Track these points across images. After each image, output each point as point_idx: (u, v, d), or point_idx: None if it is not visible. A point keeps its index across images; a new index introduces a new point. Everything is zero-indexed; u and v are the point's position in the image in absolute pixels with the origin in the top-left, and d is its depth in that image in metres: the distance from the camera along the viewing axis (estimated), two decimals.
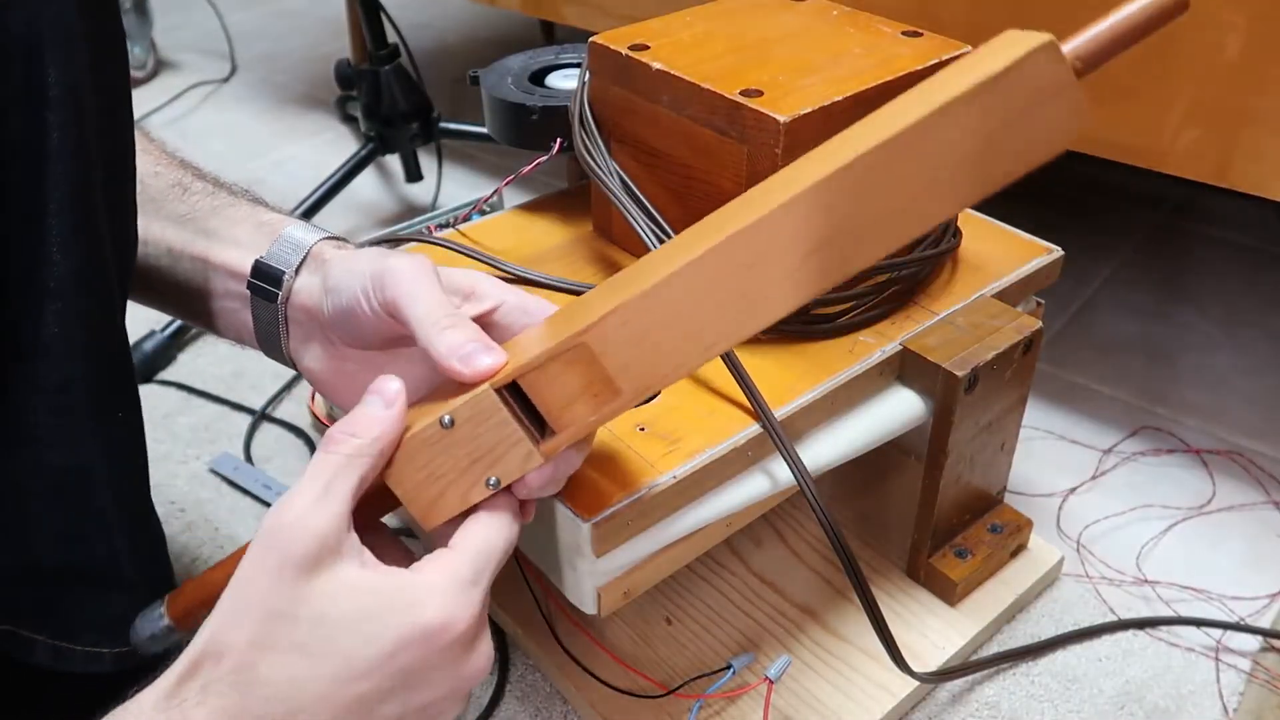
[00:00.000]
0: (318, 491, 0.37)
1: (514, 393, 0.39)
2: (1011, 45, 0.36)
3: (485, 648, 0.40)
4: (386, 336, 0.44)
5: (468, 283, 0.44)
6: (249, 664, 0.35)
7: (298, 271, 0.47)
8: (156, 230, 0.51)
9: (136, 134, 0.55)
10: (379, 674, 0.36)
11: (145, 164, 0.53)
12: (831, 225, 0.35)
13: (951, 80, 0.35)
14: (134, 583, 0.47)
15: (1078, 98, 0.35)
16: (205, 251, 0.50)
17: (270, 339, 0.49)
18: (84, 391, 0.42)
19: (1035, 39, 0.35)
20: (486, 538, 0.39)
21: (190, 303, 0.52)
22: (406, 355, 0.45)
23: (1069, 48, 0.36)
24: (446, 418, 0.39)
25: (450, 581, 0.38)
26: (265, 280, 0.47)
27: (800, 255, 0.35)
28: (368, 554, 0.38)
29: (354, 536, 0.38)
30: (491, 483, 0.40)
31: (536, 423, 0.39)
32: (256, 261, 0.48)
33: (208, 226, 0.50)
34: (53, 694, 0.52)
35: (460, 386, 0.39)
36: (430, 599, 0.37)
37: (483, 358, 0.39)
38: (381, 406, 0.39)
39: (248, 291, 0.48)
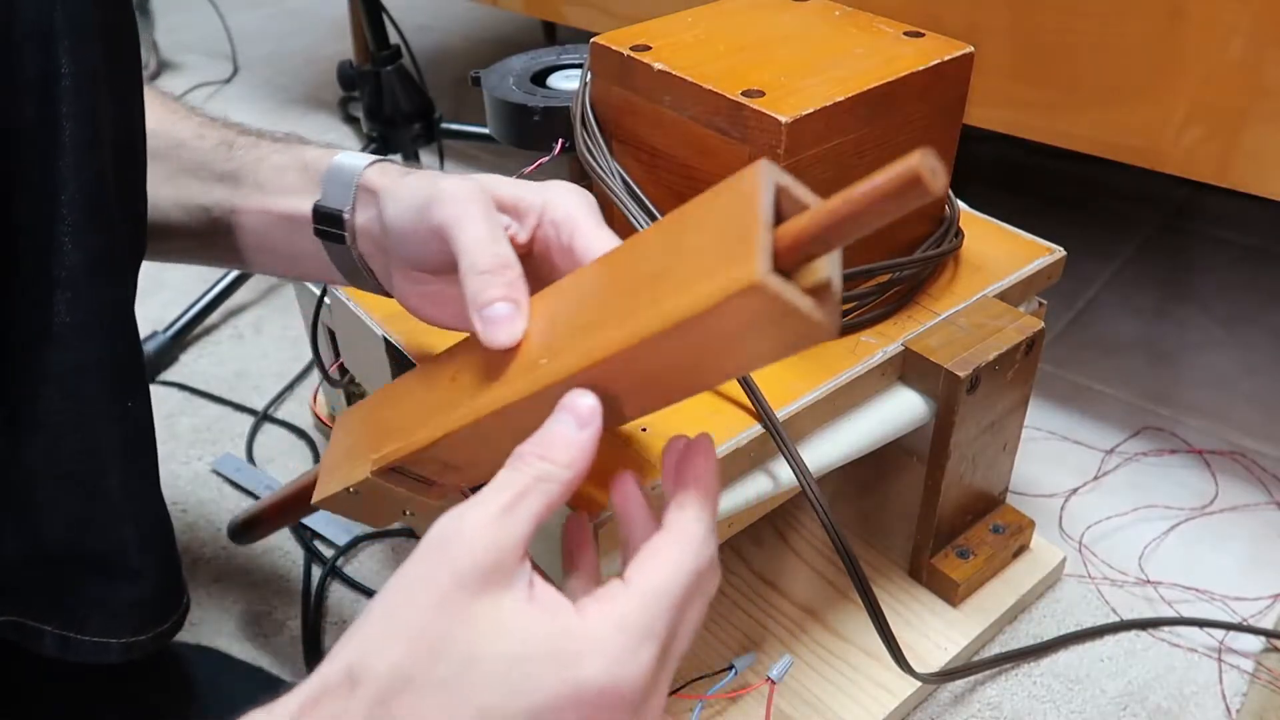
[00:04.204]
0: (502, 505, 0.33)
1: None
2: (721, 265, 0.31)
3: (654, 706, 0.34)
4: (449, 262, 0.43)
5: (512, 197, 0.43)
6: (383, 699, 0.31)
7: (354, 208, 0.47)
8: (216, 193, 0.51)
9: (174, 104, 0.55)
10: None
11: (188, 128, 0.53)
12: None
13: (656, 303, 0.33)
14: (141, 573, 0.47)
15: (797, 318, 0.31)
16: (263, 203, 0.50)
17: (356, 276, 0.50)
18: (96, 379, 0.43)
19: (741, 276, 0.30)
20: (669, 575, 0.33)
21: (273, 257, 0.52)
22: None
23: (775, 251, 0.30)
24: (352, 488, 0.43)
25: (616, 633, 0.32)
26: (328, 224, 0.47)
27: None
28: (540, 587, 0.33)
29: (528, 566, 0.33)
30: (408, 514, 0.45)
31: (418, 479, 0.44)
32: (315, 205, 0.48)
33: (259, 179, 0.51)
34: (60, 684, 0.52)
35: (380, 433, 0.44)
36: (593, 655, 0.31)
37: (500, 331, 0.38)
38: (575, 428, 0.35)
39: (317, 237, 0.48)
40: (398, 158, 0.50)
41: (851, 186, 0.29)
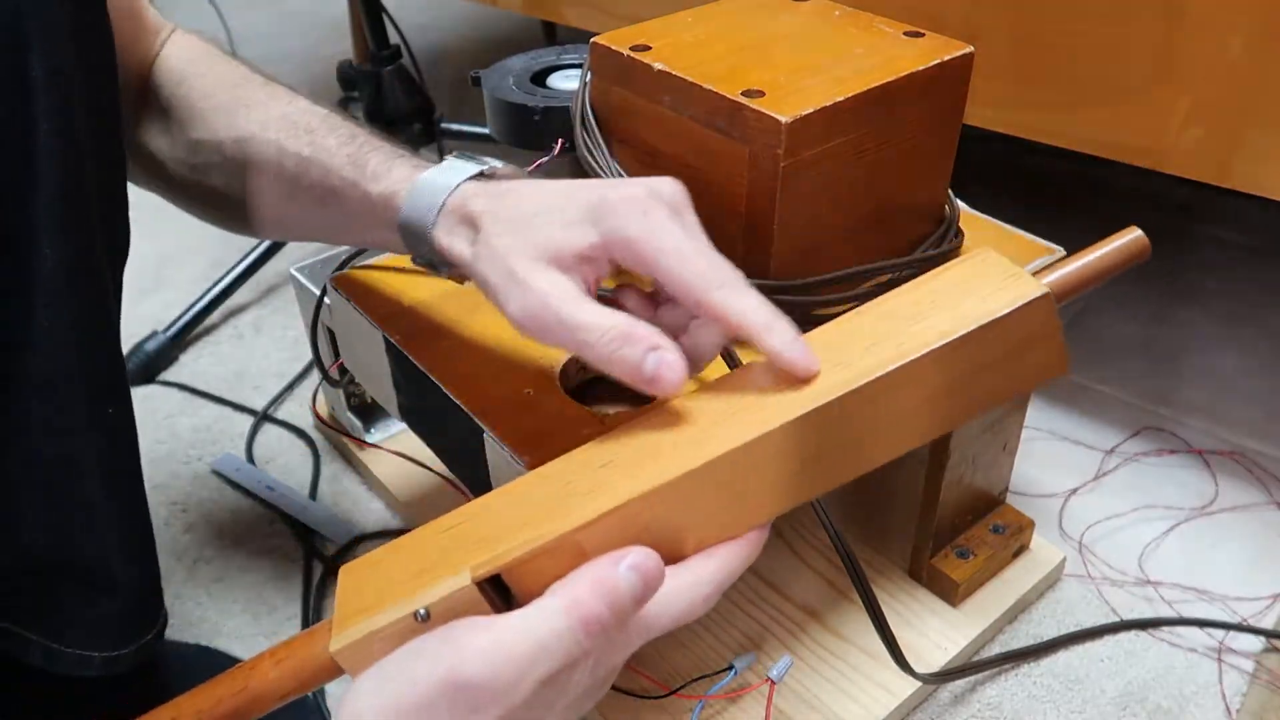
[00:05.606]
0: (532, 652, 0.33)
1: (492, 581, 0.36)
2: (1003, 285, 0.37)
3: None
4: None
5: (574, 252, 0.40)
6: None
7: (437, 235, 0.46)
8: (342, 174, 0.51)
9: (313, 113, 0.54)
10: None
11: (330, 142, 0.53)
12: (819, 447, 0.37)
13: (943, 316, 0.37)
14: (122, 586, 0.47)
15: (1060, 346, 0.37)
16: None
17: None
18: (75, 384, 0.42)
19: (1030, 288, 0.36)
20: (552, 631, 0.33)
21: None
22: None
23: (1049, 280, 0.39)
24: (422, 610, 0.36)
25: (499, 648, 0.33)
26: (416, 244, 0.47)
27: (790, 471, 0.37)
28: None
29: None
30: None
31: (507, 608, 0.37)
32: (412, 258, 0.48)
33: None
34: (48, 689, 0.51)
35: (432, 564, 0.37)
36: (471, 649, 0.33)
37: (669, 374, 0.37)
38: (636, 599, 0.34)
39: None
40: (474, 163, 0.49)
41: (1084, 254, 0.41)
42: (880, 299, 0.40)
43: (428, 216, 0.46)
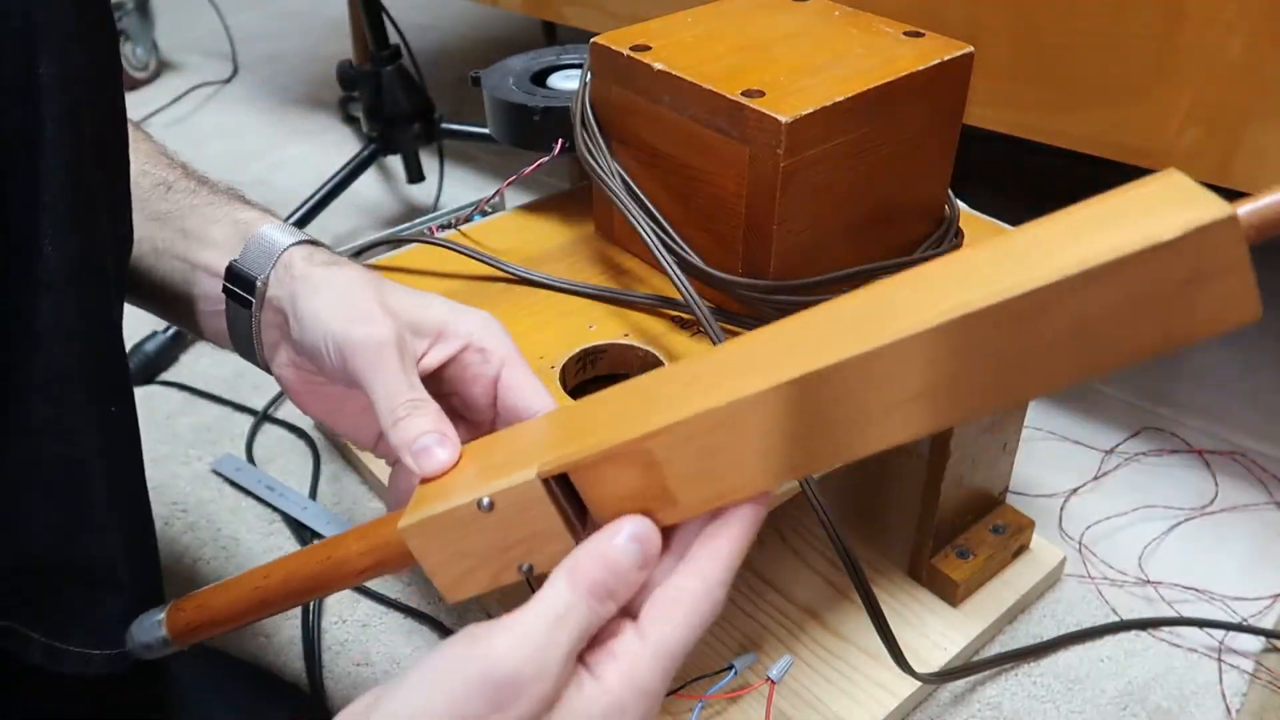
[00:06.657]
0: (549, 636, 0.33)
1: (561, 481, 0.35)
2: (1178, 204, 0.30)
3: None
4: (353, 383, 0.43)
5: (437, 322, 0.44)
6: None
7: (268, 280, 0.46)
8: (142, 230, 0.50)
9: (132, 131, 0.55)
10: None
11: (135, 162, 0.52)
12: (941, 371, 0.31)
13: (1097, 234, 0.30)
14: (125, 584, 0.47)
15: (1247, 284, 0.29)
16: (185, 252, 0.50)
17: (244, 343, 0.49)
18: (77, 383, 0.42)
19: (1214, 208, 0.29)
20: (685, 633, 0.34)
21: (173, 304, 0.51)
22: None
23: (1244, 211, 0.29)
24: (485, 500, 0.35)
25: (638, 699, 0.34)
26: (239, 285, 0.47)
27: (908, 393, 0.32)
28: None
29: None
30: (524, 568, 0.37)
31: (579, 512, 0.36)
32: (230, 264, 0.47)
33: (186, 226, 0.50)
34: (47, 686, 0.51)
35: (506, 459, 0.37)
36: (498, 648, 0.33)
37: (435, 455, 0.39)
38: (638, 566, 0.34)
39: (224, 294, 0.48)
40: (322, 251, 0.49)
41: None
42: (1024, 227, 0.33)
43: (276, 235, 0.47)
